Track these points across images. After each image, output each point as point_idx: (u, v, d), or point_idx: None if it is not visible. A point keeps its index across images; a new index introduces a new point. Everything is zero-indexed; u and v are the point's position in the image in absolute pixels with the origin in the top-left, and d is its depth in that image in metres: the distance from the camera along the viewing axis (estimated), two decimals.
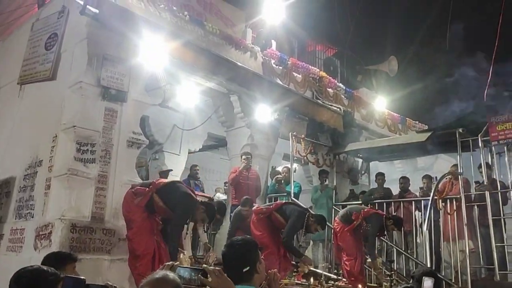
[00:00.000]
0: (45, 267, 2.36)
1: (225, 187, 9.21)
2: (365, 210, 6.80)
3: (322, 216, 6.44)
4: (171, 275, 1.95)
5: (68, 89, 5.80)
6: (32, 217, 5.62)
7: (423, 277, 2.98)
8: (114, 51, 5.96)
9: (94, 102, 5.72)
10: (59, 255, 3.37)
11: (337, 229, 6.86)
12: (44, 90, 6.31)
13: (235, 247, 2.39)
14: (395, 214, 7.59)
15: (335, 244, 7.04)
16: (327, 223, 7.24)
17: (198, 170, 8.88)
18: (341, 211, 7.24)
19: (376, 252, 6.92)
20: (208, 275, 2.10)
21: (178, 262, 4.68)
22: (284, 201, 6.68)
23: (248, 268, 2.33)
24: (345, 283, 6.04)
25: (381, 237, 7.24)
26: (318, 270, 6.53)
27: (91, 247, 5.19)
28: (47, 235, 5.09)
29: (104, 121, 5.75)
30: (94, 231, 5.26)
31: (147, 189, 5.01)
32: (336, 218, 7.18)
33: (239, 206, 6.82)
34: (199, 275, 2.14)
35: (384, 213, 7.19)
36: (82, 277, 1.80)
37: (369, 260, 6.70)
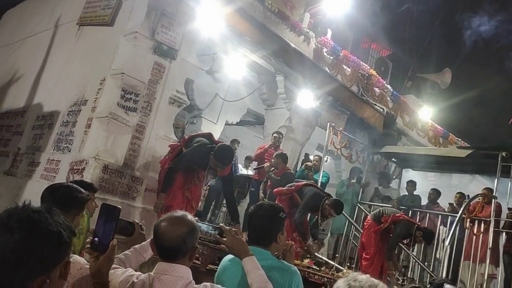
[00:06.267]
0: (77, 186, 2.48)
1: (244, 163, 9.24)
2: (397, 215, 6.61)
3: (338, 201, 6.11)
4: (189, 216, 1.98)
5: (123, 37, 5.93)
6: (69, 151, 5.84)
7: (445, 284, 2.95)
8: (172, 9, 6.04)
9: (145, 54, 5.83)
10: (83, 183, 3.50)
11: (366, 226, 6.81)
12: (100, 34, 6.49)
13: (262, 209, 2.35)
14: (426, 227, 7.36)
15: (360, 240, 7.00)
16: (349, 217, 7.20)
17: (237, 146, 8.80)
18: (376, 210, 7.14)
19: (393, 255, 6.69)
20: (224, 234, 2.13)
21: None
22: (305, 182, 6.57)
23: (269, 233, 2.31)
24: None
25: (405, 245, 6.97)
26: (330, 261, 6.50)
27: (118, 190, 5.35)
28: (80, 171, 5.29)
29: (151, 74, 5.86)
30: (123, 176, 5.42)
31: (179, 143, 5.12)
32: (369, 216, 7.12)
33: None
34: (216, 233, 2.16)
35: (417, 223, 7.00)
36: (118, 206, 1.85)
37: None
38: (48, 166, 6.06)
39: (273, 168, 6.82)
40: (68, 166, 5.58)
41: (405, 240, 6.62)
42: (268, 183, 6.87)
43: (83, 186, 3.26)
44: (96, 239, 1.70)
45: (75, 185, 2.50)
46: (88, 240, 1.77)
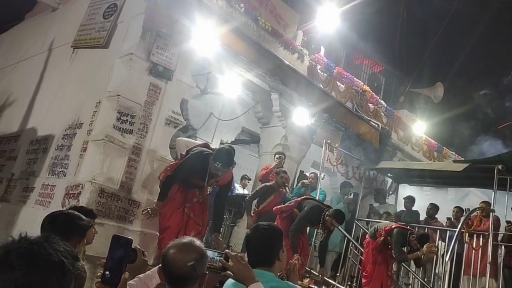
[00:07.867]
0: (78, 213, 2.43)
1: (241, 182, 9.19)
2: (389, 225, 6.60)
3: (339, 210, 5.94)
4: (197, 242, 1.96)
5: (118, 59, 5.91)
6: (65, 175, 5.76)
7: None
8: (168, 30, 6.05)
9: (141, 75, 5.81)
10: (83, 209, 3.44)
11: (365, 244, 6.77)
12: (95, 57, 6.47)
13: (260, 231, 2.39)
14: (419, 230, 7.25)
15: (362, 260, 6.96)
16: (346, 233, 7.14)
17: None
18: (372, 228, 7.10)
19: (404, 259, 6.49)
20: (230, 260, 2.11)
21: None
22: (303, 197, 6.51)
23: (270, 253, 2.33)
24: None
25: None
26: (330, 280, 6.44)
27: (115, 214, 5.26)
28: (76, 195, 5.20)
29: (147, 96, 5.84)
30: (120, 199, 5.34)
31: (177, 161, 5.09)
32: (367, 234, 7.08)
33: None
34: (221, 258, 2.15)
35: (410, 228, 6.93)
36: (130, 238, 1.82)
37: None
38: (43, 191, 5.96)
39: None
40: (64, 191, 5.48)
41: (404, 248, 6.56)
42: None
43: (84, 212, 3.21)
44: (107, 272, 1.66)
45: (75, 212, 2.46)
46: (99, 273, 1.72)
